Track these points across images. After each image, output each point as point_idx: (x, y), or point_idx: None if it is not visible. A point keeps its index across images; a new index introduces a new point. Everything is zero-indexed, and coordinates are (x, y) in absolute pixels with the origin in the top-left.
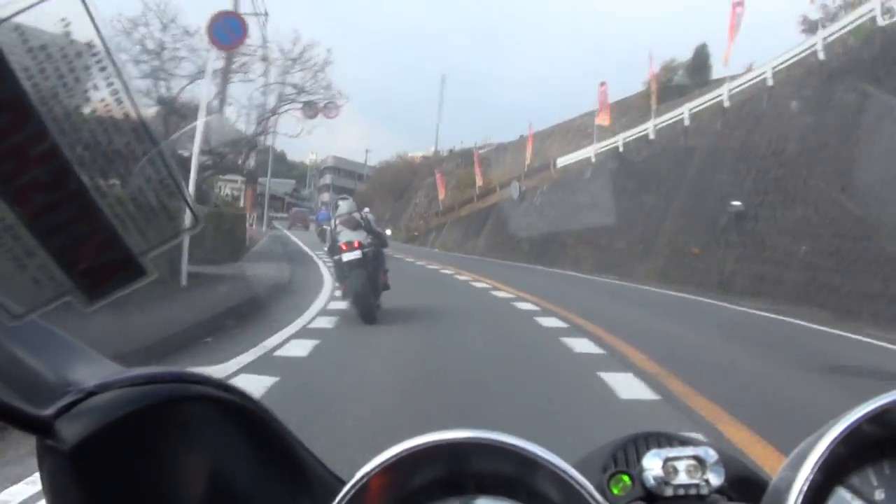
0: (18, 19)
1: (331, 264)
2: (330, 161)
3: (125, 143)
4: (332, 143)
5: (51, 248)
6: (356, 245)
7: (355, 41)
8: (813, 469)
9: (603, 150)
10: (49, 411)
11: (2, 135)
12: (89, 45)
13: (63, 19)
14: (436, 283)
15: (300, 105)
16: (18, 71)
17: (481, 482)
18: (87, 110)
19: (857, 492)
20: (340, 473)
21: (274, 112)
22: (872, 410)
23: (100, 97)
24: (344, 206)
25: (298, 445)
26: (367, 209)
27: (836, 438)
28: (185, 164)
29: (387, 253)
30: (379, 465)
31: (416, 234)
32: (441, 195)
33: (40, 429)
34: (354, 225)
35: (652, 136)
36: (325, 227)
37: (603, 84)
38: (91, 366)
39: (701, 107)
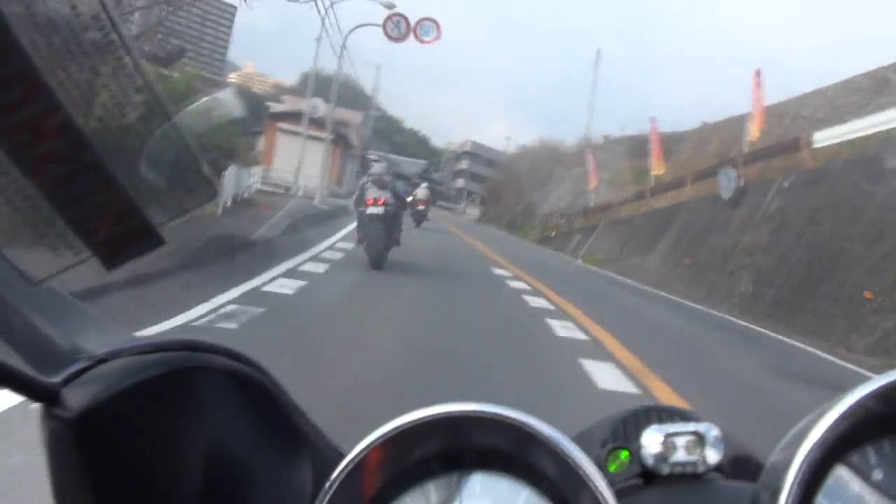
0: None
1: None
2: (468, 146)
3: (138, 116)
4: (482, 135)
5: (69, 218)
6: (381, 202)
7: (503, 30)
8: (812, 447)
9: None
10: (57, 379)
11: (16, 107)
12: (95, 19)
13: None
14: None
15: None
16: (27, 45)
17: (481, 457)
18: (97, 84)
19: (856, 470)
20: (341, 447)
21: None
22: (878, 388)
23: (109, 71)
24: (376, 167)
25: (302, 417)
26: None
27: (838, 416)
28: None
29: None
30: (379, 438)
31: (552, 234)
32: (592, 185)
33: (45, 397)
34: (382, 185)
35: None
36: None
37: None
38: (104, 333)
39: None
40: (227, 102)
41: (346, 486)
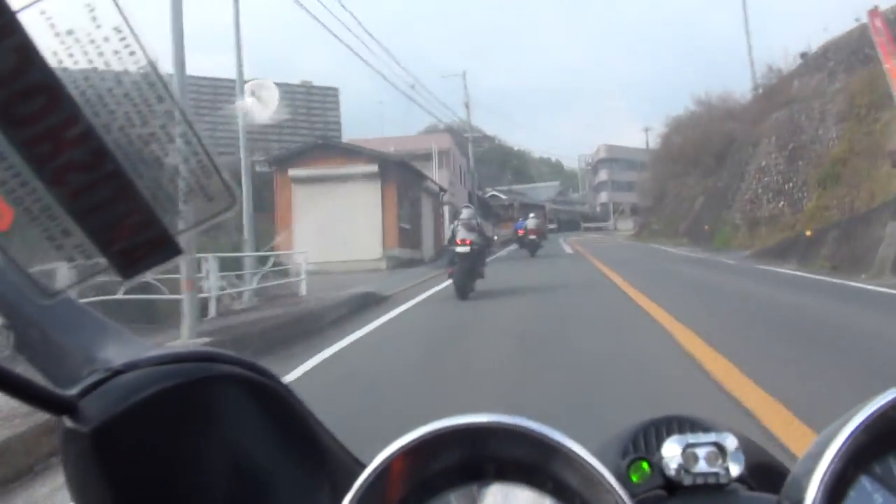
0: (43, 5)
1: None
2: (602, 153)
3: (160, 125)
4: (617, 139)
5: (88, 228)
6: (467, 242)
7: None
8: (834, 457)
9: None
10: (74, 391)
11: (36, 117)
12: (116, 30)
13: (87, 4)
14: None
15: None
16: (47, 55)
17: (500, 467)
18: (118, 93)
19: (879, 480)
20: (361, 457)
21: None
22: None
23: (131, 80)
24: (465, 212)
25: (320, 428)
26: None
27: (858, 426)
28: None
29: None
30: (399, 449)
31: (807, 233)
32: None
33: (63, 409)
34: (470, 228)
35: None
36: (520, 233)
37: None
38: (121, 344)
39: None
40: (249, 110)
41: (366, 497)
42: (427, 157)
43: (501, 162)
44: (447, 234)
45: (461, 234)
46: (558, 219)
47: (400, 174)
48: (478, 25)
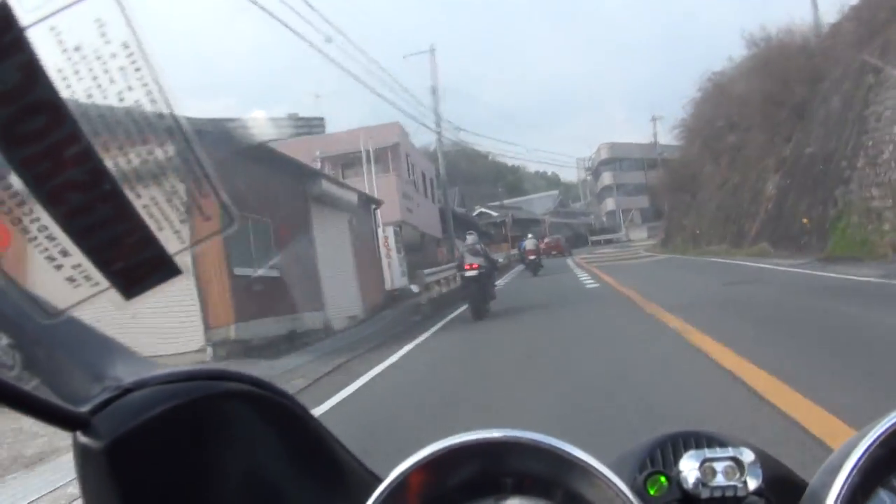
0: (53, 21)
1: None
2: (604, 153)
3: (160, 142)
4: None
5: (85, 247)
6: (475, 266)
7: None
8: (851, 471)
9: None
10: (85, 408)
11: (38, 136)
12: (124, 46)
13: (98, 20)
14: None
15: None
16: (53, 72)
17: (518, 482)
18: (121, 111)
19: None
20: (378, 471)
21: None
22: None
23: (134, 97)
24: (470, 238)
25: (335, 442)
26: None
27: (874, 440)
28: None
29: None
30: (416, 463)
31: None
32: None
33: (77, 426)
34: (475, 252)
35: None
36: (523, 255)
37: None
38: (128, 363)
39: None
40: (252, 127)
41: None
42: (377, 158)
43: (495, 179)
44: (396, 266)
45: (468, 259)
46: (561, 234)
47: (247, 169)
48: (466, 44)
